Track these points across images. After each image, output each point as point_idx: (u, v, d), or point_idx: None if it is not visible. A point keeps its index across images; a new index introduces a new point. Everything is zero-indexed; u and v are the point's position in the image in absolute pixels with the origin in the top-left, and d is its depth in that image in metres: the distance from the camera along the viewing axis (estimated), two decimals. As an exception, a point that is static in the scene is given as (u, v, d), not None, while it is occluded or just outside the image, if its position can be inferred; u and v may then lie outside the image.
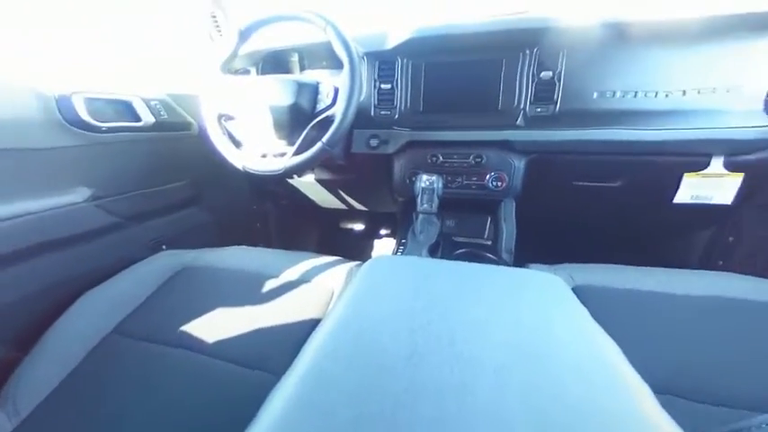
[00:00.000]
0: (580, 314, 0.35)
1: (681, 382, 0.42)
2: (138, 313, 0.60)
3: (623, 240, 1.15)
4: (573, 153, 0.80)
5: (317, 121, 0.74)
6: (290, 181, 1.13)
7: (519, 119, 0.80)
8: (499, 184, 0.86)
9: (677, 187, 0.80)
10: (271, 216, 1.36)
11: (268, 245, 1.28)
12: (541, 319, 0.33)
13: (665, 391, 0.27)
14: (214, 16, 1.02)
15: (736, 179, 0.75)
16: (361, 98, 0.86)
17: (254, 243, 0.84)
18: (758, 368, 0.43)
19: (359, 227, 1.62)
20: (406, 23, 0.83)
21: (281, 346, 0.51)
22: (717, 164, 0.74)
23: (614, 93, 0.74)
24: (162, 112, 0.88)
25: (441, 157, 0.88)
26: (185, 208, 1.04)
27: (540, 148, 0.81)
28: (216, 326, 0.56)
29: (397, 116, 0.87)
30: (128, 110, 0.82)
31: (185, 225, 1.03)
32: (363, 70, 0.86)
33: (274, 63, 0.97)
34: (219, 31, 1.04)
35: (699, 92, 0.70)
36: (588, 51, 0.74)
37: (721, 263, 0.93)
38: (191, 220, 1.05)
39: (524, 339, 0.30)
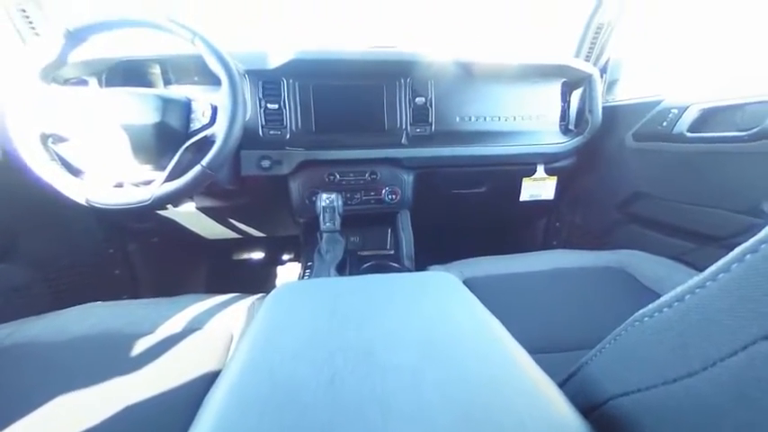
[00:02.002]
0: (470, 303, 0.40)
1: (545, 340, 0.54)
2: None
3: (493, 234, 1.41)
4: (448, 166, 0.95)
5: (193, 142, 0.64)
6: (162, 213, 0.94)
7: (403, 138, 0.90)
8: (394, 197, 0.93)
9: (520, 189, 1.04)
10: (136, 259, 1.09)
11: (135, 295, 1.02)
12: (441, 314, 0.37)
13: (536, 351, 0.34)
14: (23, 10, 0.78)
15: (553, 181, 1.04)
16: (247, 117, 0.80)
17: (114, 296, 0.65)
18: (589, 317, 0.59)
19: (257, 255, 1.47)
20: (287, 45, 0.83)
21: (169, 418, 0.40)
22: (540, 170, 1.01)
23: (470, 117, 0.92)
24: None
25: (338, 176, 0.89)
26: (-15, 266, 0.73)
27: (423, 164, 0.93)
28: (63, 419, 0.40)
29: (288, 136, 0.84)
30: None
31: (-14, 290, 0.72)
32: (246, 88, 0.81)
33: (126, 75, 0.80)
34: (34, 29, 0.81)
35: (522, 118, 0.94)
36: (448, 83, 0.90)
37: (555, 243, 1.25)
38: (-3, 281, 0.74)
39: (430, 335, 0.33)
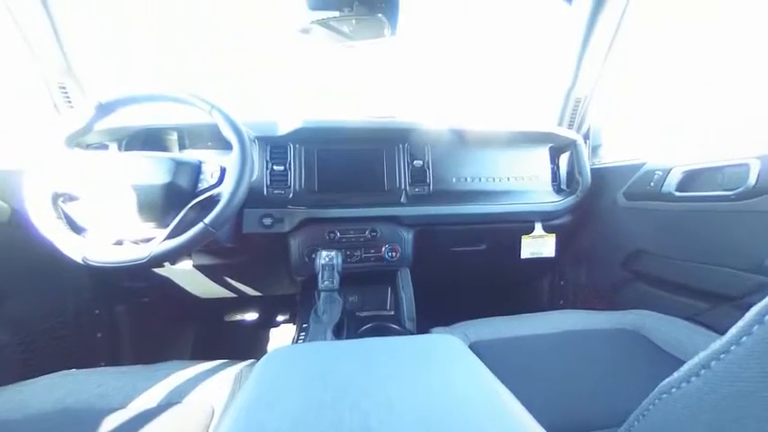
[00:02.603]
0: (478, 369, 0.37)
1: (565, 416, 0.48)
2: None
3: (497, 293, 1.36)
4: (447, 224, 0.97)
5: (199, 201, 0.66)
6: (157, 271, 0.92)
7: (402, 197, 0.93)
8: (394, 254, 0.93)
9: (520, 247, 1.03)
10: (122, 321, 1.03)
11: (114, 361, 0.95)
12: (446, 382, 0.34)
13: (556, 430, 0.30)
14: (63, 87, 0.88)
15: (552, 238, 1.04)
16: (253, 178, 0.84)
17: (92, 363, 0.60)
18: (609, 386, 0.54)
19: (250, 317, 1.39)
20: (295, 115, 0.91)
21: None
22: (538, 228, 1.02)
23: (466, 178, 0.97)
24: None
25: (338, 233, 0.90)
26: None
27: (422, 222, 0.95)
28: None
29: (291, 195, 0.87)
30: None
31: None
32: (255, 152, 0.86)
33: (145, 140, 0.87)
34: (70, 102, 0.89)
35: (516, 178, 0.99)
36: (444, 147, 0.96)
37: (561, 302, 1.20)
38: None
39: (434, 408, 0.29)
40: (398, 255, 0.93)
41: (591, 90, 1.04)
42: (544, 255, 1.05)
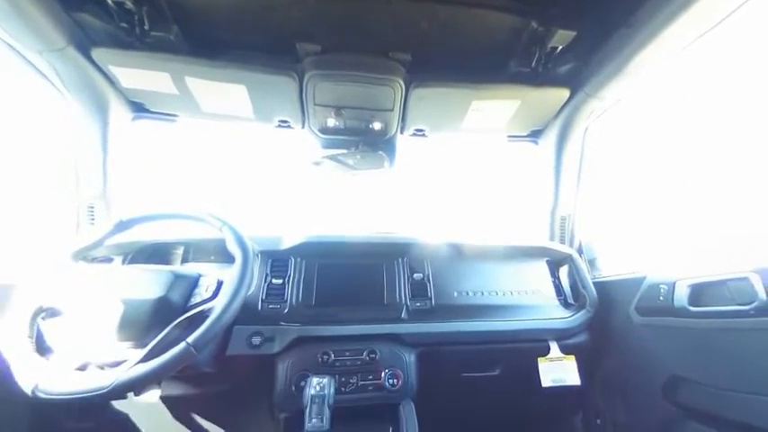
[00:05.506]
0: None
1: None
2: None
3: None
4: (453, 344, 0.88)
5: (187, 317, 0.63)
6: (115, 404, 0.78)
7: (403, 312, 0.88)
8: (395, 381, 0.80)
9: (539, 372, 0.91)
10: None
11: None
12: None
13: None
14: (92, 207, 0.95)
15: (572, 361, 0.93)
16: (249, 292, 0.81)
17: None
18: None
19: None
20: (299, 230, 0.96)
21: None
22: (555, 348, 0.92)
23: (468, 292, 0.94)
24: None
25: (333, 355, 0.81)
26: None
27: (425, 340, 0.87)
28: None
29: (286, 310, 0.83)
30: None
31: None
32: (256, 266, 0.87)
33: (150, 255, 0.88)
34: (93, 221, 0.96)
35: (519, 292, 0.96)
36: (443, 261, 0.98)
37: (603, 449, 0.97)
38: None
39: None
40: (401, 382, 0.81)
41: (573, 208, 1.13)
42: (568, 382, 0.91)
